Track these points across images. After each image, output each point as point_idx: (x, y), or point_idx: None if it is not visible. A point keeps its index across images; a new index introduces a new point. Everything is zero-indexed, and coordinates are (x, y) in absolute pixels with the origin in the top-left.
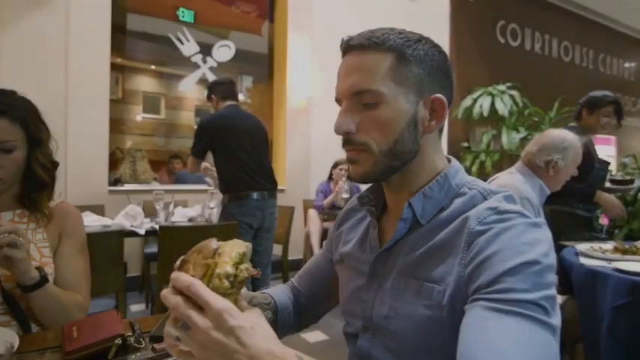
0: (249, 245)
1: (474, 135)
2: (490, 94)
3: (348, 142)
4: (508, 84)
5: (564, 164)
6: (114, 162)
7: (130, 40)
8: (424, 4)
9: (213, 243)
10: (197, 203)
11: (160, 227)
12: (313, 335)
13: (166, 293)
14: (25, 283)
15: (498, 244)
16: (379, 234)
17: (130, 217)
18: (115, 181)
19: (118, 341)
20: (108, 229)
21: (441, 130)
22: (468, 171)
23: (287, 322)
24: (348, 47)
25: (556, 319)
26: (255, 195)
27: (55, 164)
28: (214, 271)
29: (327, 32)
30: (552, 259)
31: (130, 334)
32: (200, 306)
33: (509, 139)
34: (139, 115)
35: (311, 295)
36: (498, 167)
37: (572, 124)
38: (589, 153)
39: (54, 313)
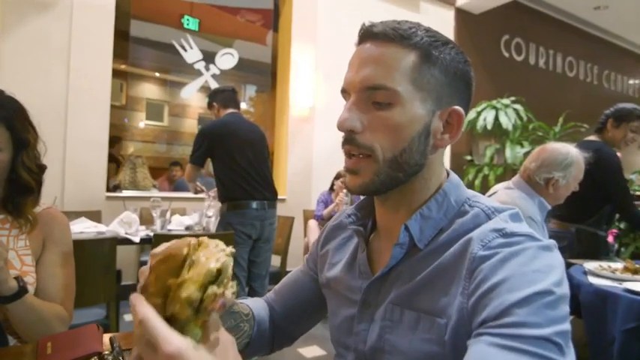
0: (229, 261)
1: (477, 148)
2: (494, 107)
3: (350, 141)
4: (512, 98)
5: (565, 182)
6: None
7: (134, 46)
8: (428, 17)
9: (184, 249)
10: (196, 211)
11: (155, 235)
12: (310, 350)
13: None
14: (2, 293)
15: (506, 272)
16: (369, 257)
17: (125, 225)
18: (114, 188)
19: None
20: (100, 236)
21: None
22: (471, 185)
23: (261, 340)
24: (368, 34)
25: (570, 357)
26: (255, 204)
27: (42, 168)
28: (176, 293)
29: (332, 42)
30: (566, 287)
31: (107, 352)
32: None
33: (513, 153)
34: (141, 121)
35: (287, 315)
36: (502, 181)
37: (592, 137)
38: (619, 170)
39: (33, 326)
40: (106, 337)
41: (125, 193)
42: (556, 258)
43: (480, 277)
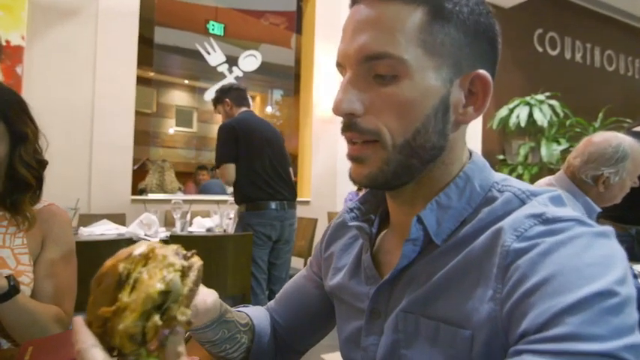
0: (176, 278)
1: (510, 147)
2: (528, 103)
3: (350, 127)
4: (547, 93)
5: (618, 179)
6: (143, 173)
7: (158, 53)
8: None
9: (120, 265)
10: (216, 213)
11: (171, 236)
12: (336, 357)
13: None
14: None
15: (551, 267)
16: (378, 258)
17: (145, 226)
18: (140, 191)
19: None
20: (109, 238)
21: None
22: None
23: (262, 354)
24: None
25: None
26: (274, 205)
27: (43, 163)
28: (113, 323)
29: None
30: (632, 287)
31: None
32: None
33: (549, 151)
34: (171, 128)
35: (291, 327)
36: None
37: None
38: None
39: (26, 328)
40: None
41: (151, 196)
42: (616, 248)
43: (516, 276)
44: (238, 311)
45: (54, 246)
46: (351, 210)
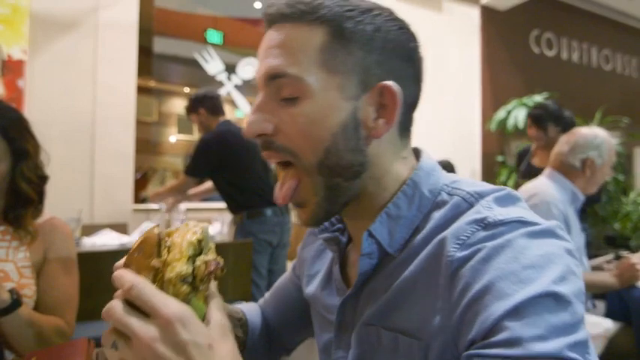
0: (206, 229)
1: (509, 148)
2: (525, 105)
3: (267, 146)
4: (545, 94)
5: (601, 162)
6: (146, 182)
7: (158, 62)
8: (453, 15)
9: (155, 234)
10: (217, 220)
11: None
12: None
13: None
14: None
15: (491, 273)
16: (347, 269)
17: None
18: (143, 200)
19: None
20: (110, 249)
21: (406, 128)
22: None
23: (256, 349)
24: (268, 18)
25: None
26: (271, 211)
27: (44, 178)
28: (164, 276)
29: None
30: (575, 283)
31: None
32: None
33: None
34: (172, 135)
35: (280, 324)
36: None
37: None
38: None
39: (29, 340)
40: (95, 352)
41: (152, 205)
42: (555, 244)
43: (460, 285)
44: (232, 307)
45: (56, 259)
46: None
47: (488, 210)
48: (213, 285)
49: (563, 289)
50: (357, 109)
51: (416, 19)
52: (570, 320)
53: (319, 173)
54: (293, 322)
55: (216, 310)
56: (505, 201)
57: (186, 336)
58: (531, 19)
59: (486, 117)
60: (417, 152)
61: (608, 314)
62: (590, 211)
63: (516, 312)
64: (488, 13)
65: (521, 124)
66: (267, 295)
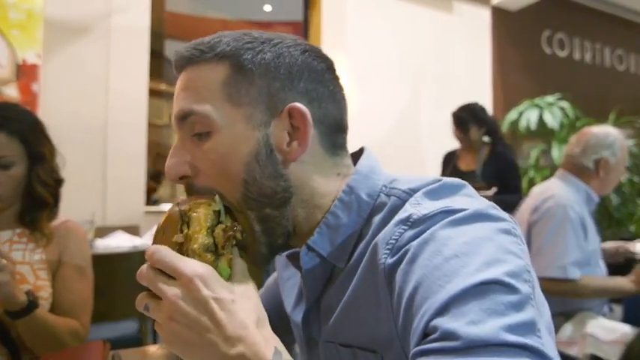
0: (220, 202)
1: (521, 150)
2: (537, 106)
3: (189, 190)
4: (557, 95)
5: (615, 160)
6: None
7: (169, 65)
8: (463, 17)
9: (175, 213)
10: None
11: None
12: None
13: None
14: (10, 308)
15: (417, 273)
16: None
17: None
18: (154, 202)
19: None
20: (123, 251)
21: (336, 147)
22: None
23: None
24: (175, 66)
25: (551, 350)
26: None
27: (60, 182)
28: (189, 249)
29: (362, 48)
30: (510, 262)
31: None
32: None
33: (560, 153)
34: None
35: (271, 320)
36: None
37: None
38: None
39: (46, 343)
40: (110, 354)
41: (163, 207)
42: (484, 227)
43: (396, 291)
44: None
45: (70, 261)
46: None
47: (415, 206)
48: (235, 251)
49: (491, 273)
50: (268, 135)
51: (426, 20)
52: (507, 301)
53: (247, 207)
54: (276, 322)
55: (239, 270)
56: (438, 193)
57: (207, 292)
58: (543, 20)
59: (497, 118)
60: (361, 152)
61: (626, 319)
62: (605, 213)
63: (445, 308)
64: (499, 14)
65: (533, 125)
66: (263, 289)
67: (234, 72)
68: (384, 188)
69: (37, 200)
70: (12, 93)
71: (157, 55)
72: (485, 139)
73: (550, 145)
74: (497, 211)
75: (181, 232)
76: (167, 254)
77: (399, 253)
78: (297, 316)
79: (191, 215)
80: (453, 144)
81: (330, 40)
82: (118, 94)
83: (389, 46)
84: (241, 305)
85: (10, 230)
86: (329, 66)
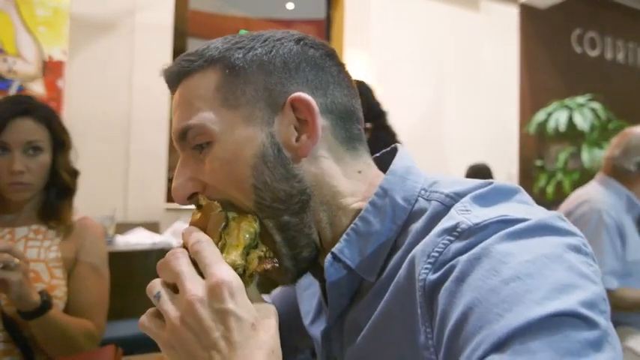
0: (257, 223)
1: (548, 153)
2: (567, 107)
3: (198, 207)
4: (588, 96)
5: None
6: None
7: None
8: (490, 15)
9: (220, 215)
10: None
11: None
12: None
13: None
14: (23, 309)
15: (467, 296)
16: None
17: (178, 235)
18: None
19: None
20: (142, 248)
21: (350, 140)
22: (542, 193)
23: None
24: (167, 83)
25: None
26: None
27: (76, 173)
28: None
29: (386, 47)
30: (584, 288)
31: None
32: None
33: (591, 156)
34: None
35: (286, 322)
36: (579, 188)
37: None
38: None
39: (59, 344)
40: None
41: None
42: (550, 242)
43: (439, 315)
44: None
45: (86, 259)
46: None
47: (464, 213)
48: (255, 278)
49: (564, 302)
50: (272, 133)
51: (452, 18)
52: (583, 338)
53: (263, 216)
54: (294, 324)
55: (258, 297)
56: (489, 198)
57: (231, 305)
58: (573, 18)
59: (525, 119)
60: (393, 152)
61: None
62: None
63: (505, 344)
64: (527, 12)
65: (562, 126)
66: (276, 291)
67: (226, 74)
68: (423, 192)
69: (61, 188)
70: (38, 89)
71: (179, 53)
72: (367, 124)
73: (580, 147)
74: (565, 223)
75: (220, 237)
76: (208, 248)
77: (444, 269)
78: (315, 330)
79: (232, 225)
80: (479, 147)
81: (353, 39)
82: (141, 91)
83: (413, 45)
84: (259, 333)
85: (25, 227)
86: (328, 53)
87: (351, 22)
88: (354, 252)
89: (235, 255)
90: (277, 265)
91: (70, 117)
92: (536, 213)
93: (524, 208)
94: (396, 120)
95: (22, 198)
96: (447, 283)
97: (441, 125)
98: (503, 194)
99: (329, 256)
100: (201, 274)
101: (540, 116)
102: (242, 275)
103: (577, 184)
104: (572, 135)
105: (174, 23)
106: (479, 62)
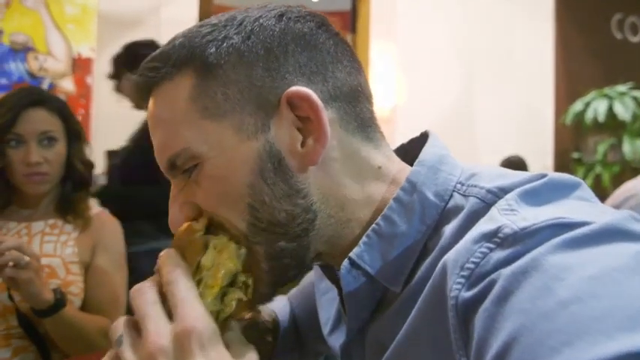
0: (243, 252)
1: (585, 144)
2: (606, 96)
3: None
4: (629, 84)
5: None
6: None
7: None
8: (523, 0)
9: (199, 240)
10: None
11: None
12: None
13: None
14: (37, 306)
15: (512, 321)
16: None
17: None
18: None
19: None
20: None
21: (363, 127)
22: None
23: (286, 348)
24: (139, 97)
25: None
26: None
27: (92, 165)
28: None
29: (413, 38)
30: None
31: None
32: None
33: (633, 147)
34: None
35: (306, 325)
36: (619, 181)
37: None
38: None
39: (73, 341)
40: None
41: None
42: (622, 251)
43: (475, 341)
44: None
45: (104, 254)
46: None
47: (508, 214)
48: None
49: None
50: (270, 142)
51: (482, 5)
52: None
53: (254, 241)
54: (315, 327)
55: (237, 339)
56: (540, 195)
57: (201, 355)
58: (613, 2)
59: (560, 109)
60: (423, 139)
61: None
62: None
63: None
64: None
65: (601, 116)
66: (294, 290)
67: (200, 78)
68: (459, 186)
69: (77, 180)
70: (68, 86)
71: None
72: None
73: (620, 139)
74: (635, 222)
75: (197, 268)
76: (182, 281)
77: (482, 285)
78: (334, 341)
79: (212, 255)
80: (511, 139)
81: (379, 30)
82: None
83: (441, 33)
84: None
85: (42, 222)
86: (319, 23)
87: (377, 13)
88: (374, 257)
89: (211, 299)
90: (253, 313)
91: (98, 113)
92: (603, 213)
93: (586, 208)
94: (423, 113)
95: (40, 190)
96: (486, 304)
97: (472, 117)
98: (559, 190)
99: (346, 262)
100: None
101: (577, 106)
102: (217, 318)
103: (617, 178)
104: (612, 125)
105: (199, 18)
106: (511, 50)
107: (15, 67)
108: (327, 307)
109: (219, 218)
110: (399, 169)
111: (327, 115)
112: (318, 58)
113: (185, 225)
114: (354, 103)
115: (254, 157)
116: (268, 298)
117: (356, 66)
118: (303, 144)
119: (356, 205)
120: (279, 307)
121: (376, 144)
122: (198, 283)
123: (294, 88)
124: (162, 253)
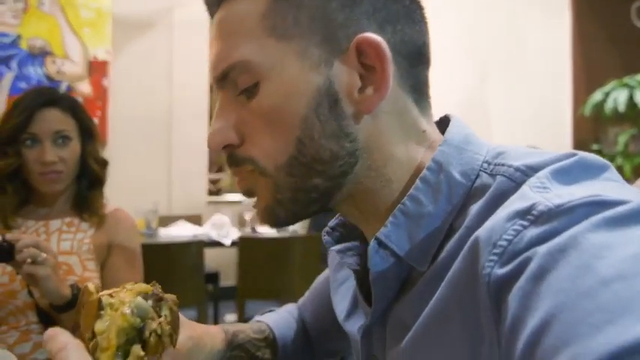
0: (139, 301)
1: (605, 135)
2: (627, 85)
3: (232, 161)
4: None
5: None
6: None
7: None
8: None
9: (93, 301)
10: None
11: (240, 238)
12: None
13: None
14: (54, 302)
15: (549, 300)
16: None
17: (217, 227)
18: (217, 192)
19: None
20: (182, 240)
21: (418, 89)
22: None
23: (295, 357)
24: (208, 8)
25: None
26: None
27: (105, 163)
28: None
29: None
30: None
31: None
32: None
33: None
34: None
35: (318, 328)
36: None
37: None
38: None
39: None
40: None
41: (224, 197)
42: None
43: (509, 320)
44: (257, 321)
45: (119, 251)
46: (332, 229)
47: (541, 192)
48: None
49: None
50: (330, 80)
51: None
52: None
53: (289, 174)
54: (330, 328)
55: None
56: (572, 173)
57: None
58: None
59: (579, 100)
60: (445, 122)
61: None
62: None
63: None
64: None
65: (622, 106)
66: (307, 293)
67: None
68: (486, 165)
69: (91, 179)
70: (84, 89)
71: None
72: None
73: None
74: None
75: (93, 333)
76: (73, 356)
77: (516, 262)
78: (351, 326)
79: (107, 315)
80: (529, 131)
81: None
82: (182, 87)
83: (455, 22)
84: None
85: (59, 220)
86: None
87: None
88: (402, 237)
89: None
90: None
91: (114, 114)
92: (635, 194)
93: (619, 188)
94: (437, 106)
95: (56, 189)
96: (521, 282)
97: (487, 109)
98: (590, 170)
99: (373, 242)
100: None
101: (597, 96)
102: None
103: (638, 169)
104: (632, 115)
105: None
106: (527, 40)
107: (34, 71)
108: (343, 296)
109: (253, 152)
110: (437, 138)
111: (392, 68)
112: (393, 7)
113: (83, 288)
114: (415, 64)
115: (312, 91)
116: (283, 224)
117: (424, 27)
118: (360, 90)
119: (398, 165)
120: (278, 322)
121: (424, 109)
122: (95, 348)
123: (366, 34)
124: (46, 335)
